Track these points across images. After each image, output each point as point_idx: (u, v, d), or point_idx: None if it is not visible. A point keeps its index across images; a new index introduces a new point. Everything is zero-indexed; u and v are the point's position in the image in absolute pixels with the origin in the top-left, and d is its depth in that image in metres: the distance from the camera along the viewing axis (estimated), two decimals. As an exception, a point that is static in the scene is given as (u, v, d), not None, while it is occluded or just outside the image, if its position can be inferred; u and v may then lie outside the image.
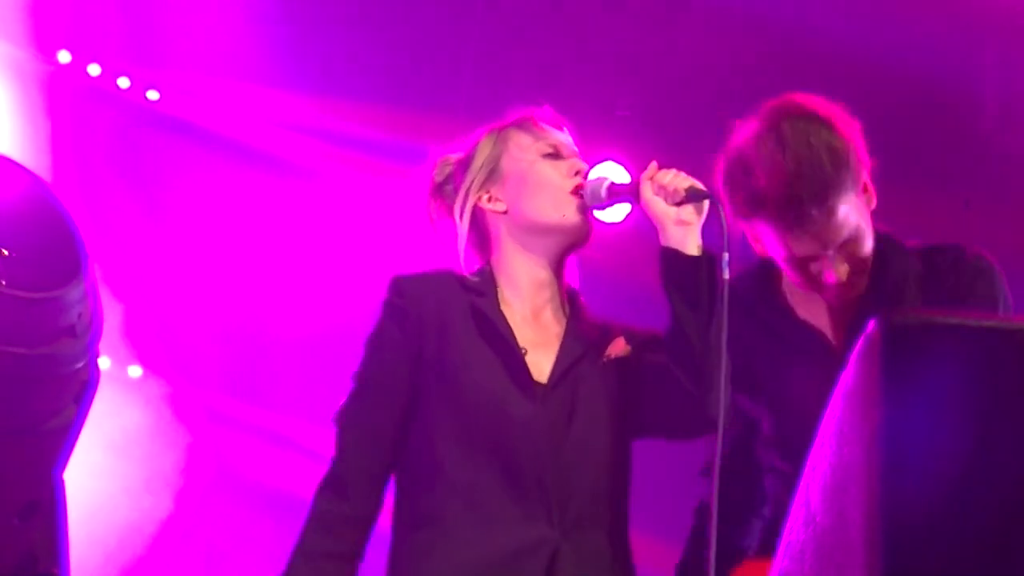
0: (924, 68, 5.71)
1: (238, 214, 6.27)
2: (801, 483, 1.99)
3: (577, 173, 3.07)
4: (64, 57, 5.95)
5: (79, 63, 6.00)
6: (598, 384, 3.02)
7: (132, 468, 6.11)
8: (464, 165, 3.19)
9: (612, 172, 3.09)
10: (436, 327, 3.01)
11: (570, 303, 3.12)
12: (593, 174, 3.07)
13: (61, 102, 5.84)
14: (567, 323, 3.08)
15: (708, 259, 2.89)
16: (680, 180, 2.93)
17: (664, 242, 2.93)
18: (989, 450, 1.74)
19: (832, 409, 1.89)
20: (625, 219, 3.13)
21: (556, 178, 3.08)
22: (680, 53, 6.06)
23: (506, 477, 2.92)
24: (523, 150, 3.12)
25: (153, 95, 6.19)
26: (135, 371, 6.27)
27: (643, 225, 3.04)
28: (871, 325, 1.77)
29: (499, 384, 2.96)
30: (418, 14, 6.22)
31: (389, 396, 3.04)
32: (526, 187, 3.08)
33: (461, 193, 3.16)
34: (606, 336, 3.08)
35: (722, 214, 2.90)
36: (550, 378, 3.00)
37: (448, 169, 3.24)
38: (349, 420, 3.07)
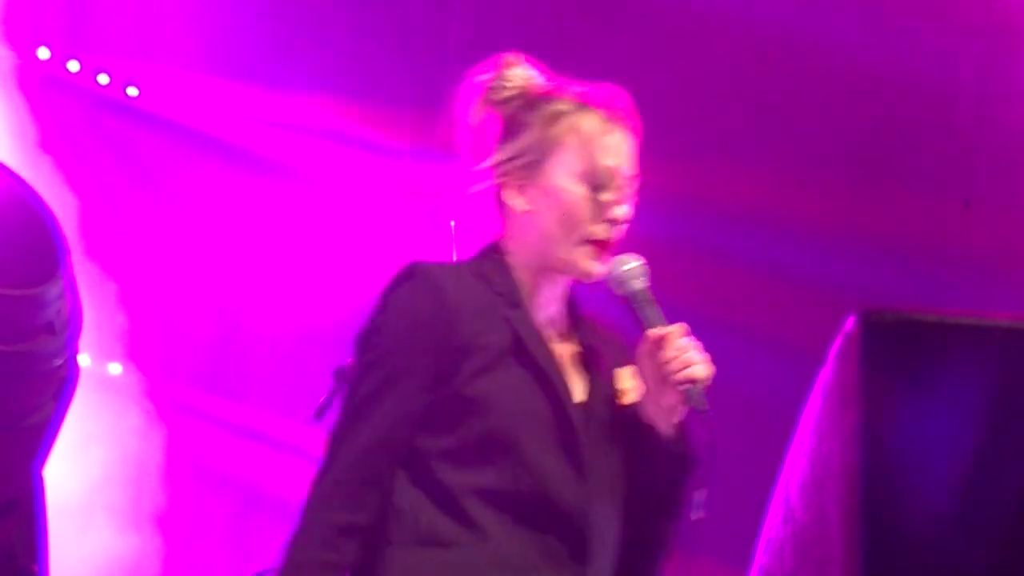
0: (923, 68, 5.74)
1: (218, 211, 6.27)
2: (780, 480, 1.99)
3: (613, 221, 2.66)
4: (43, 53, 5.93)
5: (58, 59, 5.99)
6: (613, 413, 2.74)
7: (112, 465, 6.12)
8: (512, 129, 2.74)
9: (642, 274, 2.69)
10: (467, 335, 2.64)
11: (571, 306, 2.80)
12: (629, 263, 2.67)
13: (40, 99, 5.83)
14: (579, 335, 2.78)
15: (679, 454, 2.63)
16: (692, 370, 2.57)
17: (640, 408, 2.66)
18: (969, 446, 1.73)
19: (811, 405, 1.89)
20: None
21: (586, 218, 2.66)
22: (670, 58, 6.08)
23: (537, 526, 2.62)
24: (572, 161, 2.68)
25: (132, 91, 6.18)
26: (115, 368, 6.27)
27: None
28: (849, 322, 1.76)
29: (544, 444, 2.63)
30: (398, 9, 6.23)
31: (408, 395, 2.65)
32: (554, 208, 2.67)
33: (495, 162, 2.73)
34: (617, 351, 2.76)
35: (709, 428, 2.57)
36: (585, 407, 2.69)
37: (510, 93, 2.77)
38: (358, 417, 2.68)
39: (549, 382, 2.63)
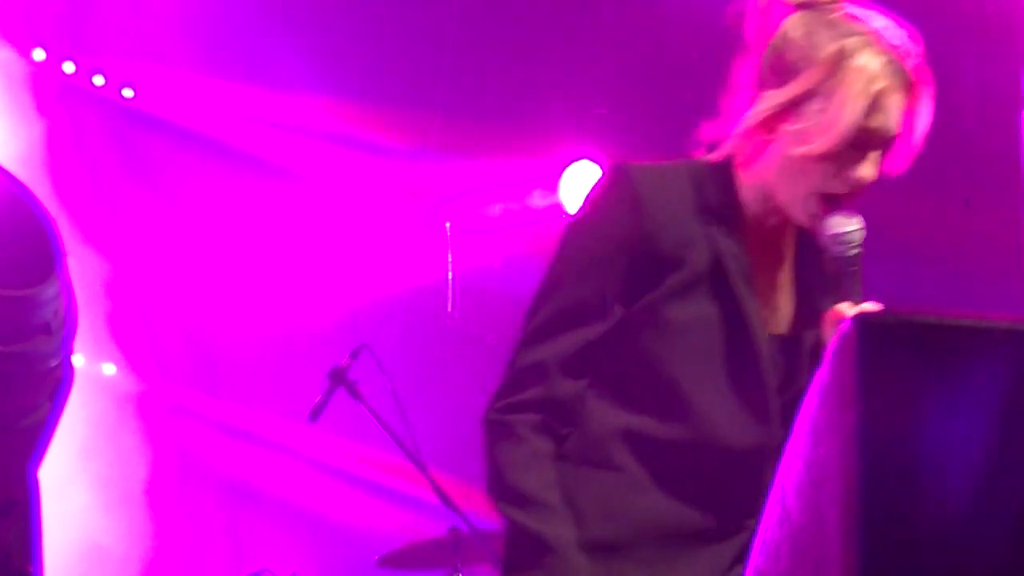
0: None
1: (213, 211, 6.28)
2: (776, 481, 1.99)
3: (857, 182, 2.51)
4: (39, 55, 5.93)
5: (54, 61, 5.98)
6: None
7: (105, 464, 6.12)
8: (799, 57, 2.51)
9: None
10: (667, 247, 2.53)
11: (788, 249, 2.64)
12: (853, 226, 2.55)
13: (36, 99, 5.83)
14: (802, 258, 2.65)
15: None
16: None
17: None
18: (968, 449, 1.73)
19: (807, 406, 1.87)
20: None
21: (827, 176, 2.50)
22: (658, 51, 6.07)
23: (702, 475, 2.56)
24: (840, 114, 2.47)
25: (128, 93, 6.18)
26: (109, 368, 6.27)
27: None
28: (846, 323, 1.75)
29: (719, 385, 2.55)
30: (396, 10, 6.22)
31: (593, 312, 2.54)
32: (811, 155, 2.49)
33: (772, 87, 2.53)
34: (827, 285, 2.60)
35: None
36: (789, 335, 2.61)
37: (801, 29, 2.53)
38: (545, 334, 2.55)
39: (742, 313, 2.53)
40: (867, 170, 2.50)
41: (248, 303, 6.39)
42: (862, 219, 2.54)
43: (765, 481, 2.27)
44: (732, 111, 2.58)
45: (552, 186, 6.42)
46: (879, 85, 2.47)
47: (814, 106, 2.48)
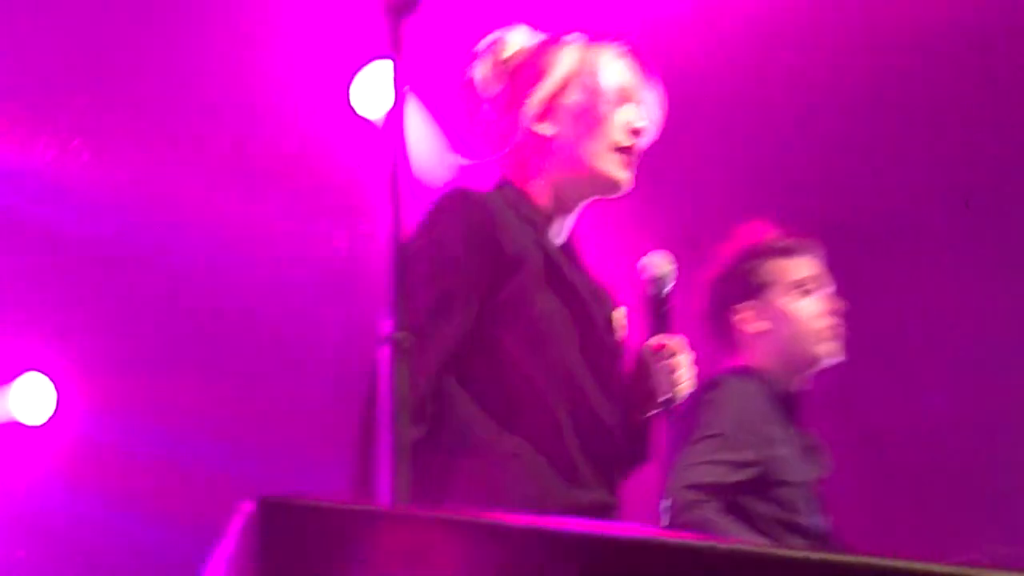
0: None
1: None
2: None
3: (635, 132, 3.03)
4: None
5: None
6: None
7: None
8: (532, 63, 3.09)
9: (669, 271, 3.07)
10: (514, 249, 2.91)
11: (569, 247, 3.12)
12: (668, 267, 3.05)
13: None
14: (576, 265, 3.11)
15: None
16: (680, 386, 2.99)
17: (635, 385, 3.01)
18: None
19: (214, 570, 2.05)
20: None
21: (615, 128, 3.03)
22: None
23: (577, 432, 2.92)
24: (605, 80, 3.05)
25: None
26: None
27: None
28: (247, 505, 1.90)
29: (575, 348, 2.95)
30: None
31: (467, 308, 2.87)
32: (589, 124, 3.02)
33: (530, 99, 3.04)
34: (604, 293, 3.10)
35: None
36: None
37: (509, 55, 3.12)
38: (424, 335, 2.78)
39: (579, 298, 2.93)
40: (631, 114, 3.02)
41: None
42: (673, 260, 3.02)
43: (618, 439, 2.92)
44: (493, 146, 3.07)
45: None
46: (604, 55, 3.06)
47: (566, 96, 3.02)
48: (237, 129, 6.07)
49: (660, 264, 3.00)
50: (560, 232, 3.04)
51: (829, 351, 3.96)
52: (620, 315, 3.05)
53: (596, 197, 3.07)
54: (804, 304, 3.97)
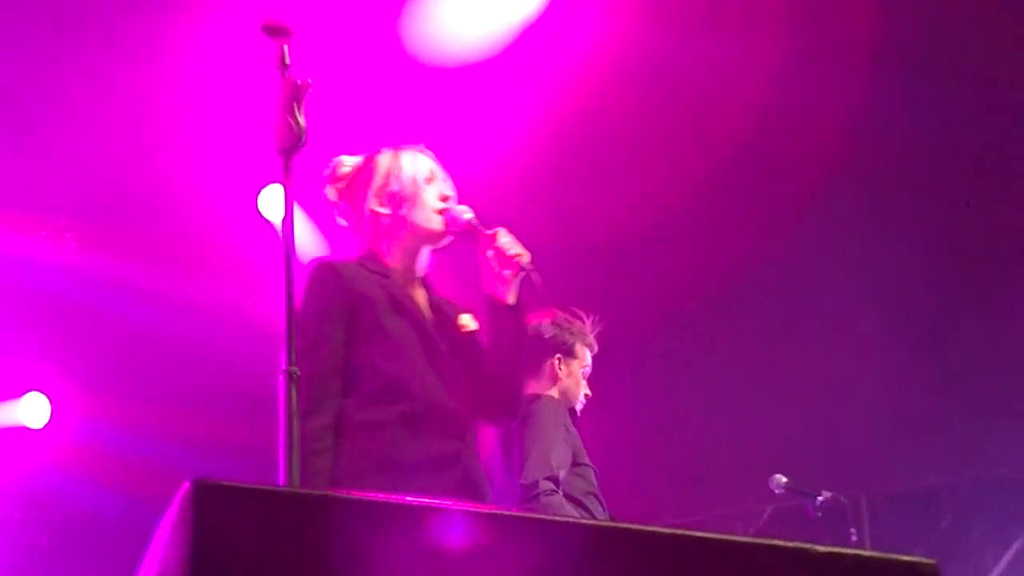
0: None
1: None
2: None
3: (445, 198, 3.81)
4: None
5: None
6: (457, 338, 3.79)
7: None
8: (364, 170, 3.84)
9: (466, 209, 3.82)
10: (360, 290, 3.64)
11: (424, 282, 3.85)
12: (463, 207, 3.82)
13: None
14: (427, 294, 3.82)
15: (517, 310, 3.76)
16: (520, 254, 3.71)
17: (488, 290, 3.76)
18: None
19: (154, 551, 2.11)
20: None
21: (431, 199, 3.79)
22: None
23: (423, 409, 3.61)
24: (412, 170, 3.81)
25: None
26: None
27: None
28: (185, 486, 1.96)
29: (416, 350, 3.66)
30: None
31: (336, 337, 3.62)
32: (410, 201, 3.77)
33: (368, 193, 3.81)
34: (452, 307, 3.84)
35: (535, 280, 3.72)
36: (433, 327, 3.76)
37: (347, 169, 3.87)
38: (311, 358, 3.50)
39: (416, 320, 3.69)
40: (441, 187, 3.82)
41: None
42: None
43: (462, 420, 3.61)
44: (352, 230, 3.88)
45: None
46: (403, 152, 3.88)
47: (390, 186, 3.82)
48: (180, 228, 7.07)
49: (460, 210, 3.81)
50: (415, 272, 3.77)
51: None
52: (467, 317, 3.80)
53: (428, 246, 3.80)
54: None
